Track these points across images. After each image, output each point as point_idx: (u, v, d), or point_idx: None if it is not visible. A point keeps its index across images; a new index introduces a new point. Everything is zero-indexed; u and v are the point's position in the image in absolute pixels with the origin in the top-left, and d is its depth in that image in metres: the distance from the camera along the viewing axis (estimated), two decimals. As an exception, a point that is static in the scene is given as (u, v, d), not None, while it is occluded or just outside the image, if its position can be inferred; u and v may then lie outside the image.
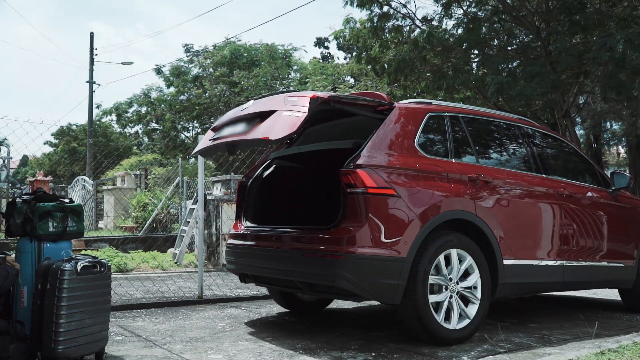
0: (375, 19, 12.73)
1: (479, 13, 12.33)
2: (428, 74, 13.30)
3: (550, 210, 4.26)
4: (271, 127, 3.35)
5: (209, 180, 11.45)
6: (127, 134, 30.84)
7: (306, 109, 3.23)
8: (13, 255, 3.07)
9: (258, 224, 4.33)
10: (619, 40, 8.78)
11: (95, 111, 24.56)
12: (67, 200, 3.31)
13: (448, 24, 13.76)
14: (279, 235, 3.89)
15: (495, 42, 12.79)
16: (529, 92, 10.08)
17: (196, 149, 4.24)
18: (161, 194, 14.00)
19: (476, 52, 12.78)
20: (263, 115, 3.49)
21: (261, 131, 3.42)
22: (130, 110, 27.06)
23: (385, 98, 3.81)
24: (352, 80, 20.77)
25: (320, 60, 27.28)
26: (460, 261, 3.63)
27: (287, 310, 4.81)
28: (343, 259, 3.26)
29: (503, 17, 11.91)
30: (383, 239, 3.31)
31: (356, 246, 3.27)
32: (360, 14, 25.58)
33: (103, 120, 30.17)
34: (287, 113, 3.31)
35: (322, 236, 3.44)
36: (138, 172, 17.40)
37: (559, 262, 4.24)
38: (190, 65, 25.07)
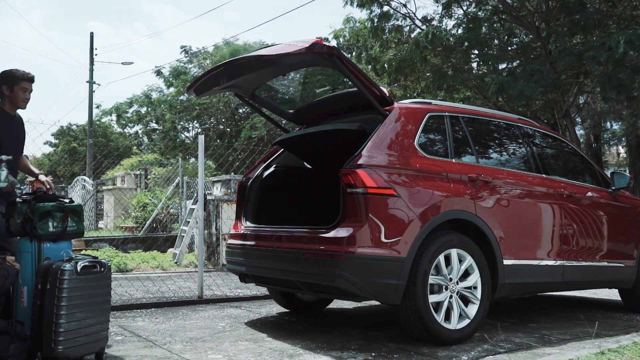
0: (376, 19, 12.76)
1: (479, 13, 12.35)
2: (428, 74, 13.31)
3: (550, 210, 4.26)
4: (270, 50, 3.59)
5: (209, 180, 11.45)
6: (127, 134, 30.83)
7: (308, 45, 3.34)
8: (13, 255, 3.08)
9: (258, 223, 4.33)
10: (619, 41, 8.78)
11: (95, 111, 24.59)
12: (67, 200, 3.31)
13: (448, 23, 13.78)
14: (279, 235, 3.89)
15: (496, 42, 12.80)
16: (529, 92, 10.09)
17: (190, 84, 4.33)
18: (161, 194, 13.99)
19: (476, 51, 12.80)
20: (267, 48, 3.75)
21: (259, 53, 3.69)
22: (130, 110, 27.09)
23: (386, 93, 3.81)
24: (352, 80, 20.74)
25: (321, 60, 27.24)
26: (460, 261, 3.63)
27: (287, 310, 4.81)
28: (343, 259, 3.26)
29: (503, 17, 11.92)
30: (383, 239, 3.31)
31: (356, 246, 3.27)
32: (360, 14, 25.59)
33: (103, 120, 30.17)
34: (290, 43, 3.49)
35: (322, 236, 3.44)
36: (138, 172, 17.36)
37: (559, 262, 4.24)
38: (189, 66, 25.08)
